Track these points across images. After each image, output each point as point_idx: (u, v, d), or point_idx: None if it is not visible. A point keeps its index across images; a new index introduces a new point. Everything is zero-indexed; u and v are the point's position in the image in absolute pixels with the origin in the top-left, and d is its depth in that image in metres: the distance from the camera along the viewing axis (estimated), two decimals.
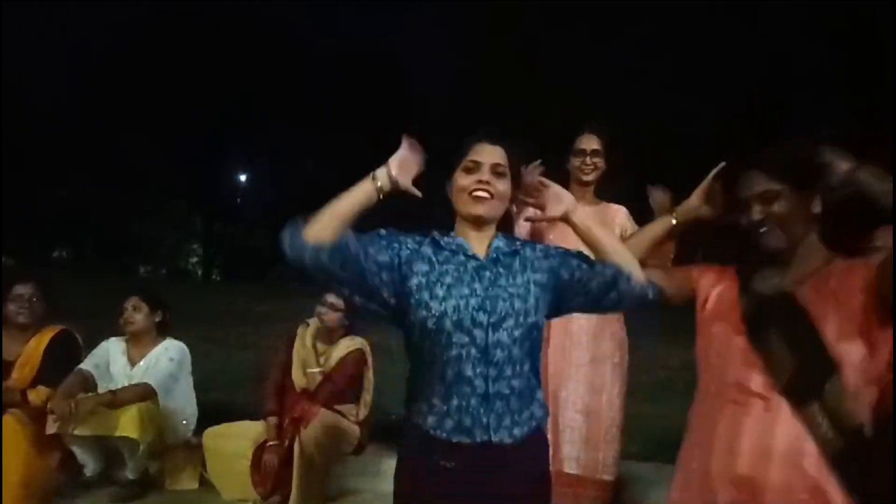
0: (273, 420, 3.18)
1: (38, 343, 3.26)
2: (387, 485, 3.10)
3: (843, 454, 1.37)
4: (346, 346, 3.32)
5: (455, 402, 1.50)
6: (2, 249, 17.39)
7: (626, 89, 18.46)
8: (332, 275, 1.48)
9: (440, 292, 1.50)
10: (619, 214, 2.75)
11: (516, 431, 1.50)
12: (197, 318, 6.37)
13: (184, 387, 3.40)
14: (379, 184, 1.55)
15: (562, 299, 1.59)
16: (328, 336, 3.34)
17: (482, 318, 1.48)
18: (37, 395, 3.11)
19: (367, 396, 3.36)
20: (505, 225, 1.69)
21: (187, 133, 22.88)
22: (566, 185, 2.68)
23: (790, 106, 17.36)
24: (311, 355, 3.31)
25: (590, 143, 2.68)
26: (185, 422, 3.34)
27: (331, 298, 3.31)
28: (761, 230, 1.50)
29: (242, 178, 28.44)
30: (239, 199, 28.83)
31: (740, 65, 18.16)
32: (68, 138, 21.26)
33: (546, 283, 1.56)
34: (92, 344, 3.42)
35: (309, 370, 3.28)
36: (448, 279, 1.52)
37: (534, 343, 1.54)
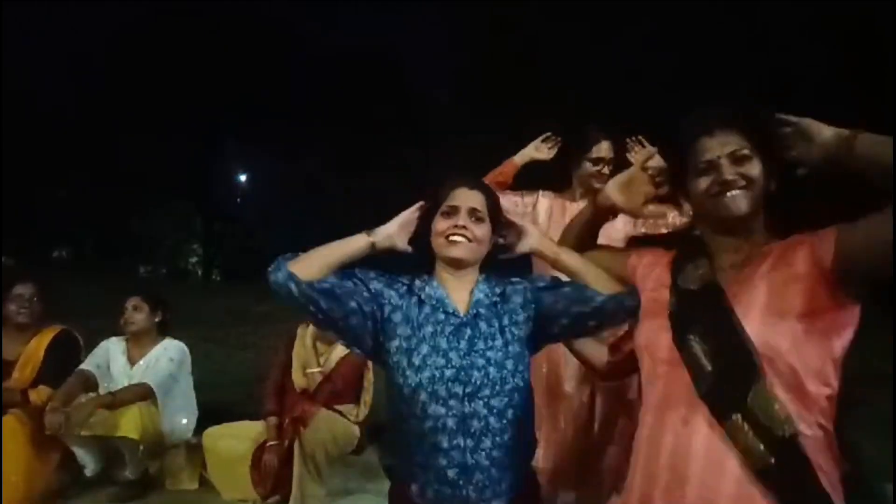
0: (273, 420, 3.18)
1: (39, 343, 3.27)
2: (387, 485, 3.09)
3: (773, 469, 1.18)
4: (346, 346, 3.32)
5: (433, 473, 1.49)
6: (2, 249, 17.39)
7: (626, 89, 18.46)
8: (311, 311, 1.51)
9: (416, 361, 1.50)
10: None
11: (496, 502, 1.49)
12: (197, 318, 6.37)
13: (183, 387, 3.40)
14: (375, 241, 1.59)
15: (542, 331, 1.59)
16: (328, 336, 3.34)
17: (457, 389, 1.48)
18: (38, 395, 3.11)
19: (366, 396, 3.36)
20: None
21: (187, 133, 22.88)
22: (568, 186, 2.68)
23: (790, 105, 17.35)
24: (311, 355, 3.31)
25: (609, 151, 2.61)
26: (185, 422, 3.34)
27: None
28: (730, 193, 1.33)
29: (242, 178, 28.45)
30: (239, 199, 28.83)
31: (740, 64, 18.16)
32: (68, 138, 21.25)
33: (526, 334, 1.57)
34: (92, 344, 3.42)
35: (309, 370, 3.28)
36: (424, 348, 1.51)
37: (518, 408, 1.52)
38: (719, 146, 1.35)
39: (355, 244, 1.59)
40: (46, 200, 21.87)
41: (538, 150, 2.67)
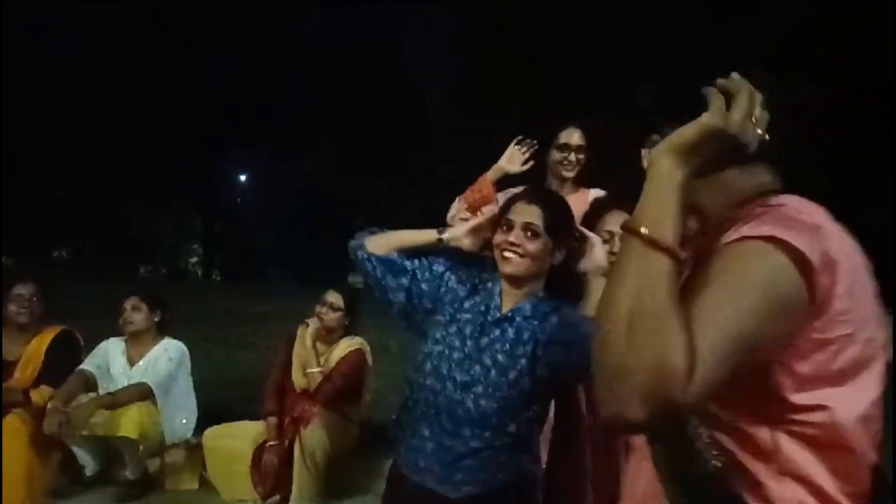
0: (273, 420, 3.18)
1: (40, 343, 3.26)
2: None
3: None
4: (346, 346, 3.32)
5: (416, 440, 1.58)
6: (2, 249, 17.38)
7: (626, 89, 18.46)
8: (374, 281, 1.71)
9: (439, 335, 1.62)
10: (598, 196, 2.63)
11: (466, 489, 1.53)
12: (197, 318, 6.36)
13: (183, 387, 3.40)
14: (442, 237, 1.73)
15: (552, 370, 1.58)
16: (328, 336, 3.34)
17: (457, 374, 1.56)
18: (39, 396, 3.11)
19: (367, 396, 3.36)
20: None
21: (187, 133, 22.89)
22: (544, 178, 2.67)
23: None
24: (311, 355, 3.31)
25: (572, 137, 2.59)
26: (184, 422, 3.34)
27: (330, 298, 3.31)
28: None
29: (242, 178, 28.45)
30: (239, 199, 28.83)
31: (739, 64, 18.15)
32: (68, 138, 21.26)
33: (550, 367, 1.56)
34: (92, 344, 3.42)
35: (309, 370, 3.28)
36: (453, 327, 1.62)
37: (507, 417, 1.54)
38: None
39: (424, 236, 1.74)
40: (46, 200, 21.87)
41: (511, 161, 2.54)
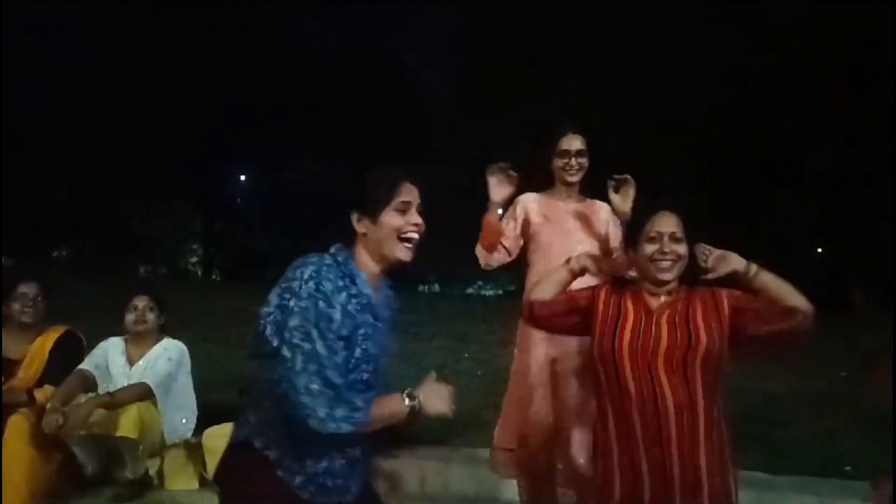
0: None
1: (44, 343, 3.26)
2: (387, 485, 3.08)
3: None
4: None
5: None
6: (2, 249, 17.38)
7: (626, 88, 18.46)
8: None
9: None
10: (603, 211, 2.71)
11: None
12: (197, 318, 6.37)
13: (183, 386, 3.40)
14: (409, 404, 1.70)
15: None
16: None
17: None
18: (43, 395, 3.11)
19: None
20: None
21: (188, 133, 22.89)
22: (549, 185, 2.70)
23: (788, 105, 17.36)
24: None
25: (573, 143, 2.62)
26: (184, 422, 3.34)
27: None
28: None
29: (242, 178, 28.44)
30: (239, 199, 28.83)
31: (738, 64, 18.15)
32: (68, 138, 21.26)
33: None
34: (91, 344, 3.42)
35: None
36: None
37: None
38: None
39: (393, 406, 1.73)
40: (46, 200, 21.88)
41: (497, 191, 2.59)
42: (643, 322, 1.91)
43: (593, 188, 2.74)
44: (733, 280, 1.92)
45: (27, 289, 3.27)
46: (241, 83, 22.64)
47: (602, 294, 2.02)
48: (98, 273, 15.53)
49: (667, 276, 1.92)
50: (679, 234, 1.93)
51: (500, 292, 27.66)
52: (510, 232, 2.69)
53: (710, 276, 1.92)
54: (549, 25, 20.40)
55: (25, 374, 3.18)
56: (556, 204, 2.70)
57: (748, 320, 1.89)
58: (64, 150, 21.32)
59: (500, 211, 2.64)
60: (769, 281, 1.90)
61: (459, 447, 3.72)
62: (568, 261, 2.11)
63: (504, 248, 2.68)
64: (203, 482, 3.29)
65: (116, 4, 21.76)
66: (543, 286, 2.09)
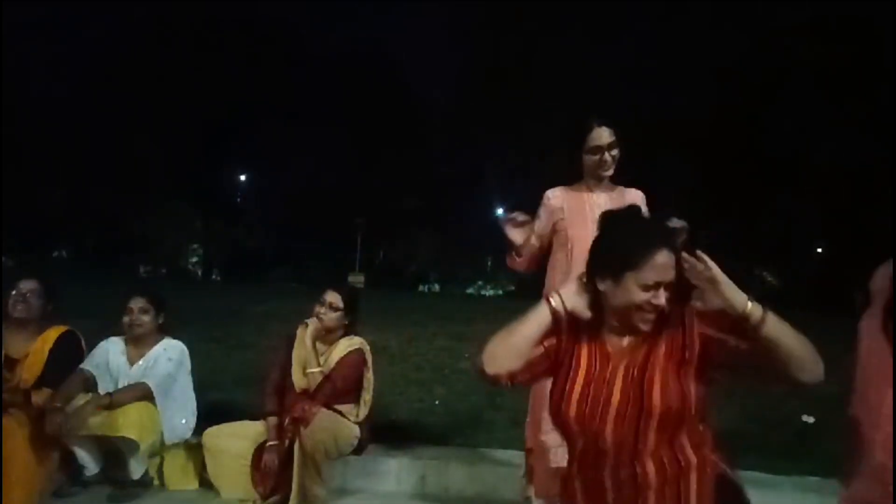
0: (273, 420, 3.18)
1: (44, 342, 3.26)
2: (387, 485, 3.10)
3: None
4: (346, 345, 3.32)
5: None
6: (2, 249, 17.37)
7: (626, 89, 18.44)
8: None
9: None
10: (637, 199, 2.66)
11: None
12: (197, 318, 6.36)
13: (183, 386, 3.40)
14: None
15: None
16: (328, 336, 3.34)
17: None
18: (40, 396, 3.11)
19: (366, 396, 3.36)
20: None
21: (187, 133, 22.89)
22: (577, 180, 2.70)
23: (789, 105, 17.35)
24: (311, 355, 3.31)
25: (603, 137, 2.57)
26: (184, 422, 3.34)
27: (330, 298, 3.31)
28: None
29: (242, 178, 28.44)
30: (239, 199, 28.83)
31: (739, 64, 18.14)
32: (68, 138, 21.25)
33: None
34: (91, 344, 3.42)
35: (309, 370, 3.28)
36: None
37: None
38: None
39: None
40: (46, 200, 21.88)
41: (516, 235, 2.63)
42: (597, 374, 1.59)
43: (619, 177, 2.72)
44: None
45: (24, 284, 3.27)
46: (241, 83, 22.62)
47: (564, 335, 1.65)
48: (98, 273, 15.53)
49: (648, 327, 1.57)
50: (673, 280, 1.54)
51: (500, 292, 27.64)
52: (539, 229, 2.70)
53: (696, 305, 1.54)
54: (550, 25, 20.38)
55: (25, 373, 3.17)
56: (581, 196, 2.66)
57: (723, 357, 1.54)
58: (64, 150, 21.31)
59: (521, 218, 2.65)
60: (780, 333, 1.43)
61: (459, 447, 3.72)
62: (549, 299, 1.62)
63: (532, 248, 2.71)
64: (203, 482, 3.30)
65: (116, 4, 21.74)
66: (517, 348, 1.58)
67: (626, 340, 1.61)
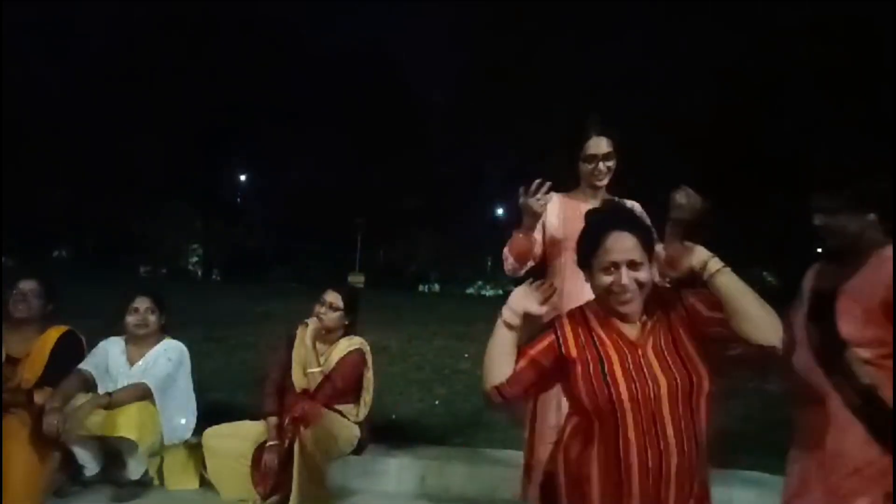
0: (273, 420, 3.18)
1: (45, 342, 3.26)
2: (387, 485, 3.10)
3: None
4: (346, 345, 3.32)
5: None
6: (2, 249, 17.37)
7: (625, 89, 18.45)
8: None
9: None
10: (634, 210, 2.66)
11: None
12: (197, 318, 6.36)
13: (183, 387, 3.40)
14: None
15: None
16: (328, 336, 3.34)
17: None
18: (42, 396, 3.10)
19: (366, 396, 3.36)
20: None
21: (188, 133, 22.89)
22: (576, 186, 2.67)
23: (788, 105, 17.35)
24: (310, 355, 3.31)
25: (600, 146, 2.54)
26: (184, 422, 3.34)
27: (330, 298, 3.31)
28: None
29: (242, 178, 28.45)
30: (239, 199, 28.84)
31: (738, 64, 18.15)
32: (68, 138, 21.26)
33: None
34: (91, 344, 3.42)
35: (309, 370, 3.28)
36: None
37: None
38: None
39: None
40: (46, 200, 21.88)
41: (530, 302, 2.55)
42: (630, 359, 1.61)
43: (620, 187, 2.67)
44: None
45: (24, 284, 3.27)
46: (241, 83, 22.62)
47: (567, 336, 1.67)
48: (98, 273, 15.53)
49: (630, 309, 1.62)
50: (639, 259, 1.60)
51: (500, 292, 27.65)
52: (537, 240, 2.66)
53: (668, 276, 1.64)
54: (550, 25, 20.38)
55: (26, 373, 3.17)
56: (576, 205, 2.58)
57: (710, 345, 1.63)
58: (64, 150, 21.31)
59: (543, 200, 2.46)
60: (729, 288, 1.55)
61: (459, 447, 3.72)
62: (500, 314, 1.73)
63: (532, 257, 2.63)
64: (203, 482, 3.30)
65: (117, 4, 21.74)
66: (495, 362, 1.67)
67: (639, 325, 1.66)
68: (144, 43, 21.85)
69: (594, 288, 1.66)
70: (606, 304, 1.65)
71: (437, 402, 4.50)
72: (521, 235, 2.49)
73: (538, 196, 2.39)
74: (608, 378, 1.59)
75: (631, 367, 1.59)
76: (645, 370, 1.58)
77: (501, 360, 1.66)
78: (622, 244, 1.60)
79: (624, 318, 1.66)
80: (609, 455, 1.59)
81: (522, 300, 1.71)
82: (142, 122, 21.48)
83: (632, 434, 1.56)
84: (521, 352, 1.69)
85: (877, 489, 1.70)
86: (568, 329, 1.68)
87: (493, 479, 3.22)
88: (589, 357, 1.63)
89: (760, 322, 1.52)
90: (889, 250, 1.75)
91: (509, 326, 1.69)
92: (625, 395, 1.56)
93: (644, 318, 1.66)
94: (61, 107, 21.47)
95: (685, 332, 1.63)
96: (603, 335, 1.65)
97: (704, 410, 1.59)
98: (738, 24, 18.25)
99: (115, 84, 21.47)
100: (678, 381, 1.56)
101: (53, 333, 3.29)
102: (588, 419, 1.63)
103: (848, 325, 1.75)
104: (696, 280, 1.62)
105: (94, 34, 22.64)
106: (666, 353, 1.60)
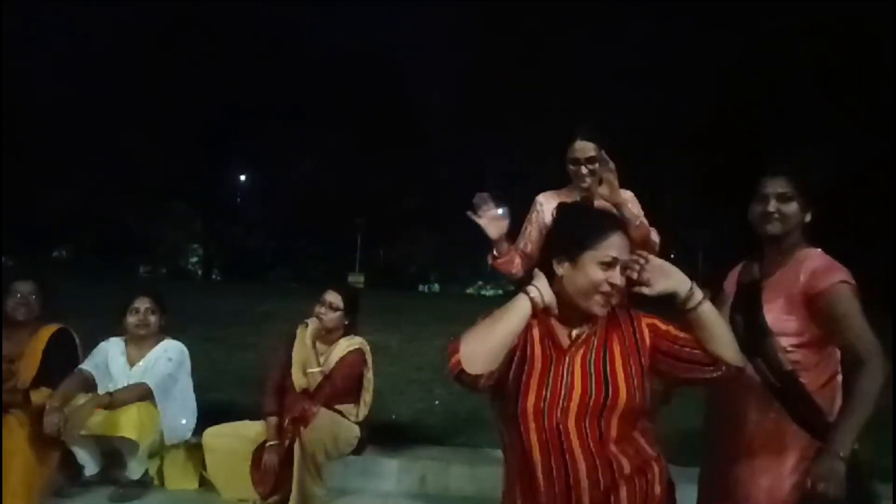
0: (273, 420, 3.18)
1: (38, 341, 3.25)
2: (387, 485, 3.10)
3: None
4: (346, 345, 3.32)
5: None
6: (2, 249, 17.37)
7: (625, 89, 18.45)
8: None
9: None
10: (628, 198, 2.60)
11: None
12: (197, 318, 6.36)
13: (183, 387, 3.40)
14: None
15: None
16: (328, 336, 3.34)
17: None
18: (39, 396, 3.10)
19: (366, 396, 3.36)
20: None
21: (188, 133, 22.90)
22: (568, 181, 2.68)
23: (788, 105, 17.34)
24: (310, 355, 3.31)
25: (584, 150, 2.56)
26: (184, 422, 3.34)
27: (330, 298, 3.31)
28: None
29: (242, 178, 28.46)
30: (239, 199, 28.84)
31: (738, 64, 18.14)
32: (68, 138, 21.27)
33: None
34: (91, 344, 3.41)
35: (309, 370, 3.28)
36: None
37: None
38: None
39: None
40: (46, 200, 21.89)
41: (492, 228, 2.52)
42: (553, 365, 1.55)
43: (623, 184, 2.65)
44: (663, 301, 1.59)
45: (22, 286, 3.26)
46: (241, 83, 22.63)
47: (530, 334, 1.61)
48: (98, 273, 15.54)
49: (604, 311, 1.57)
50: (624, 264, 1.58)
51: (500, 292, 27.65)
52: (530, 236, 2.67)
53: (643, 290, 1.57)
54: (550, 25, 20.39)
55: (23, 373, 3.17)
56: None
57: (665, 364, 1.59)
58: (64, 150, 21.32)
59: (500, 211, 2.52)
60: (709, 318, 1.56)
61: (459, 447, 3.72)
62: (527, 292, 1.57)
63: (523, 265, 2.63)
64: (203, 482, 3.30)
65: (117, 5, 21.75)
66: (491, 348, 1.49)
67: (575, 332, 1.60)
68: (145, 43, 21.86)
69: (576, 282, 1.56)
70: (578, 301, 1.56)
71: (437, 402, 4.50)
72: (499, 261, 2.58)
73: (485, 209, 2.45)
74: (522, 382, 1.54)
75: (551, 375, 1.54)
76: (562, 379, 1.53)
77: (500, 350, 1.50)
78: (623, 243, 1.58)
79: (580, 322, 1.60)
80: (520, 465, 1.55)
81: (550, 292, 1.59)
82: (142, 122, 21.49)
83: (535, 445, 1.52)
84: None
85: (780, 465, 1.85)
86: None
87: (493, 479, 3.20)
88: (517, 354, 1.56)
89: (732, 344, 1.58)
90: (810, 251, 1.91)
91: (535, 310, 1.55)
92: (531, 404, 1.52)
93: (584, 327, 1.60)
94: (62, 107, 21.49)
95: (623, 352, 1.58)
96: (536, 337, 1.59)
97: (620, 430, 1.53)
98: (738, 24, 18.24)
99: (116, 84, 21.48)
100: (592, 395, 1.51)
101: (45, 332, 3.28)
102: (500, 421, 1.60)
103: (770, 315, 1.88)
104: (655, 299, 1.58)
105: (95, 34, 22.65)
106: (592, 365, 1.55)
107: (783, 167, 1.96)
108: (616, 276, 1.55)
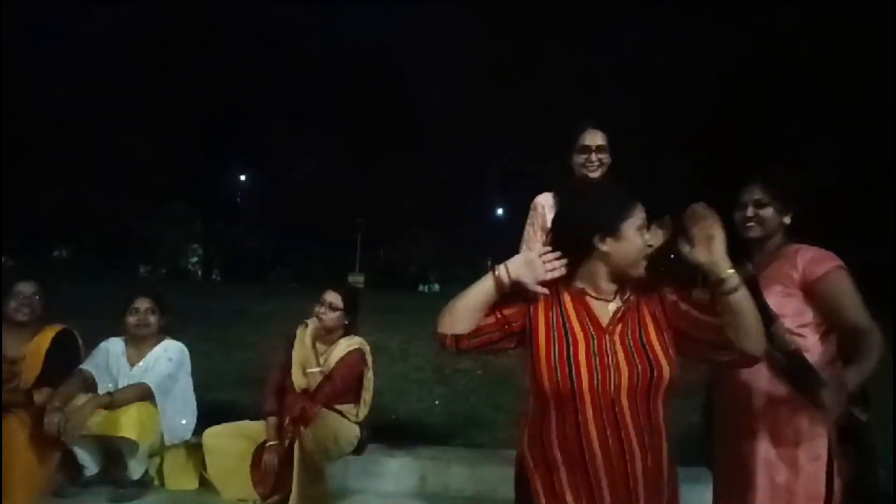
0: (273, 420, 3.18)
1: (40, 342, 3.25)
2: (387, 485, 3.10)
3: None
4: (346, 345, 3.32)
5: None
6: (2, 249, 17.38)
7: (625, 89, 18.46)
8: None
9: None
10: None
11: None
12: (197, 318, 6.37)
13: (183, 387, 3.40)
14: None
15: None
16: (327, 336, 3.34)
17: None
18: (41, 396, 3.10)
19: (366, 396, 3.36)
20: None
21: (188, 133, 22.91)
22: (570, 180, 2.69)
23: (788, 105, 17.35)
24: (310, 355, 3.31)
25: (594, 139, 2.62)
26: (184, 422, 3.34)
27: (330, 298, 3.30)
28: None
29: (242, 178, 28.46)
30: (239, 199, 28.85)
31: (738, 64, 18.15)
32: (68, 138, 21.27)
33: None
34: (91, 344, 3.41)
35: (309, 370, 3.28)
36: None
37: None
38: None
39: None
40: (46, 200, 21.89)
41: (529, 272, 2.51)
42: (595, 345, 1.58)
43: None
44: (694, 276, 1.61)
45: (23, 287, 3.26)
46: (241, 83, 22.64)
47: (539, 307, 1.64)
48: (98, 273, 15.54)
49: (643, 273, 1.65)
50: None
51: None
52: (528, 238, 2.70)
53: (683, 249, 1.59)
54: (550, 25, 20.39)
55: (25, 373, 3.17)
56: None
57: (683, 344, 1.62)
58: (64, 150, 21.33)
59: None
60: (742, 306, 1.53)
61: (459, 447, 3.72)
62: (494, 269, 1.64)
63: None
64: (203, 482, 3.30)
65: (117, 5, 21.76)
66: (460, 313, 1.60)
67: (611, 307, 1.63)
68: (145, 43, 21.86)
69: (624, 251, 1.60)
70: (628, 270, 1.62)
71: (437, 402, 4.50)
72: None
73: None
74: (571, 361, 1.56)
75: (595, 352, 1.57)
76: (608, 358, 1.56)
77: (473, 314, 1.60)
78: (641, 206, 1.67)
79: (609, 298, 1.64)
80: (570, 442, 1.57)
81: (524, 268, 1.62)
82: (142, 122, 21.50)
83: (591, 423, 1.54)
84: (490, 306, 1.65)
85: (784, 438, 2.00)
86: (542, 300, 1.65)
87: (493, 479, 3.22)
88: (556, 336, 1.60)
89: (757, 336, 1.56)
90: (798, 245, 2.08)
91: (499, 286, 1.62)
92: (585, 383, 1.54)
93: (619, 303, 1.64)
94: (62, 106, 21.49)
95: (655, 325, 1.62)
96: (573, 316, 1.63)
97: (662, 404, 1.59)
98: (738, 24, 18.24)
99: (116, 84, 21.48)
100: (639, 371, 1.55)
101: (49, 333, 3.28)
102: (546, 400, 1.60)
103: (771, 300, 2.02)
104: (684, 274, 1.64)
105: (96, 34, 22.66)
106: (631, 342, 1.58)
107: (758, 175, 2.14)
108: (652, 237, 1.66)
